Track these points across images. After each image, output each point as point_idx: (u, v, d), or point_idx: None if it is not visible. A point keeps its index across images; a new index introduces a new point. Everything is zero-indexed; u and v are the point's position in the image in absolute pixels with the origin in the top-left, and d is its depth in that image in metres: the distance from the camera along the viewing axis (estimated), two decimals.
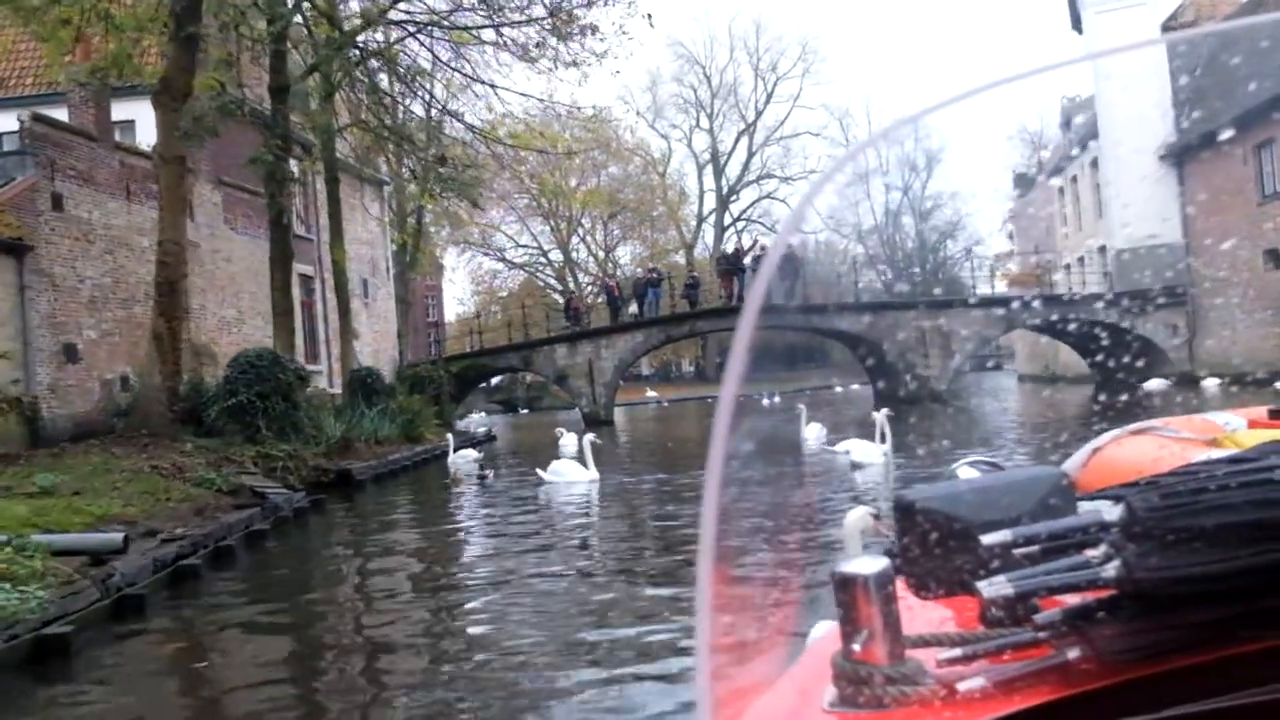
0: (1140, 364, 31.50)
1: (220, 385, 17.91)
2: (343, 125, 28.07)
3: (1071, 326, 34.39)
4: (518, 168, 27.47)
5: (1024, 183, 55.60)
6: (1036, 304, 33.04)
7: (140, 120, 29.26)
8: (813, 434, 20.09)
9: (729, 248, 42.53)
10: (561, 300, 63.99)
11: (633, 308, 38.78)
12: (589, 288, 63.38)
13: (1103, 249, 38.26)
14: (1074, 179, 42.96)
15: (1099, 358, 33.63)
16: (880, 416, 15.93)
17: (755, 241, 41.00)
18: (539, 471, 16.33)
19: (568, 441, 24.46)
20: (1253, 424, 2.80)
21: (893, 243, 79.13)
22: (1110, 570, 0.97)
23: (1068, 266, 42.49)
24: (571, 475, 16.02)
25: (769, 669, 1.26)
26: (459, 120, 25.88)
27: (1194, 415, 3.02)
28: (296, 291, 33.34)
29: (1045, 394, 38.36)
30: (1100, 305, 31.96)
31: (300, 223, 34.46)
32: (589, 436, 16.49)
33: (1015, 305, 32.52)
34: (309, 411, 19.60)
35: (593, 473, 15.96)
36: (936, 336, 34.77)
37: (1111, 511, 1.05)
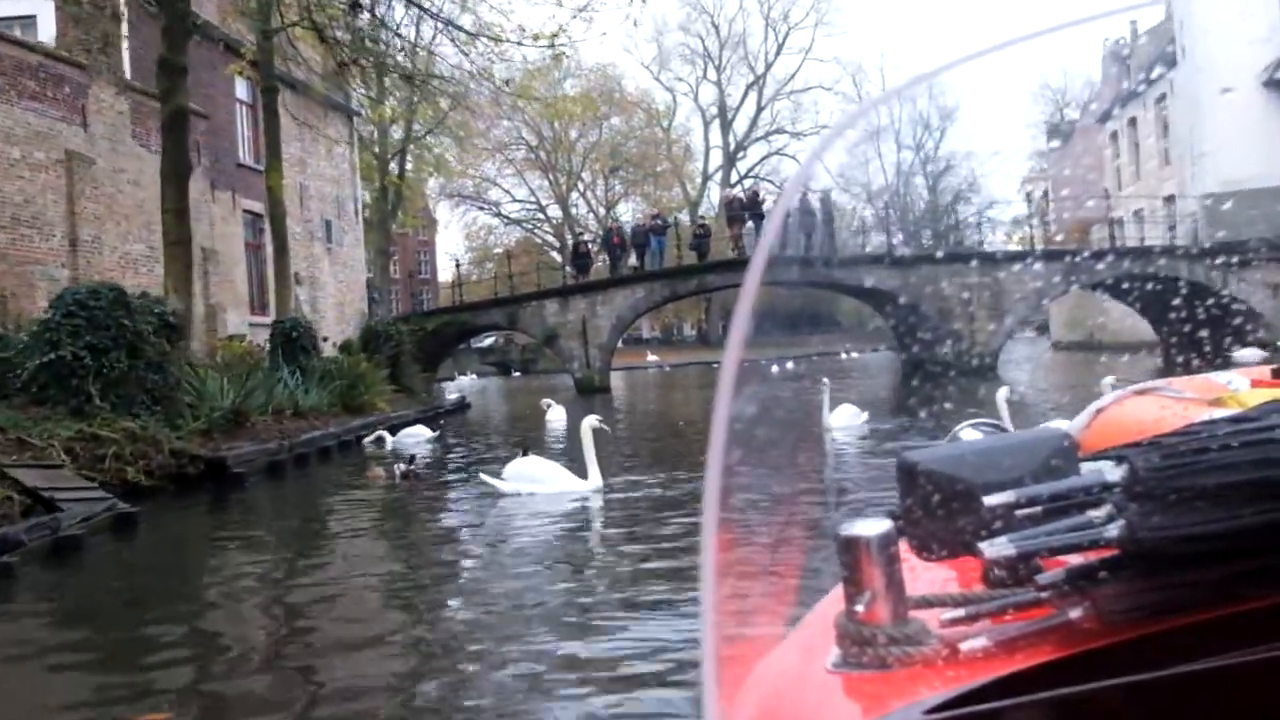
0: (1229, 330, 25.46)
1: (38, 333, 11.97)
2: (288, 24, 21.92)
3: (1135, 284, 28.29)
4: (499, 81, 21.31)
5: (1059, 134, 49.26)
6: (1107, 258, 26.92)
7: (43, 16, 23.53)
8: (842, 419, 13.91)
9: (741, 194, 36.21)
10: (559, 257, 58.45)
11: (633, 259, 32.64)
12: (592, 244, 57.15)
13: (1170, 199, 32.11)
14: (1132, 122, 36.55)
15: (1173, 322, 27.61)
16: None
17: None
18: (485, 479, 10.11)
19: (556, 415, 18.64)
20: (1255, 383, 2.52)
21: (904, 203, 72.99)
22: (1113, 530, 0.95)
23: (1120, 221, 36.20)
24: (552, 482, 9.81)
25: (774, 631, 1.19)
26: (425, 10, 19.76)
27: (1196, 375, 2.74)
28: (241, 230, 27.60)
29: (1097, 364, 32.27)
30: (1184, 260, 25.90)
31: (249, 152, 28.74)
32: (591, 420, 10.13)
33: (1081, 259, 26.43)
34: (185, 373, 13.69)
35: (593, 479, 9.77)
36: (985, 295, 28.77)
37: (1114, 471, 1.03)
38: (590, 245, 33.21)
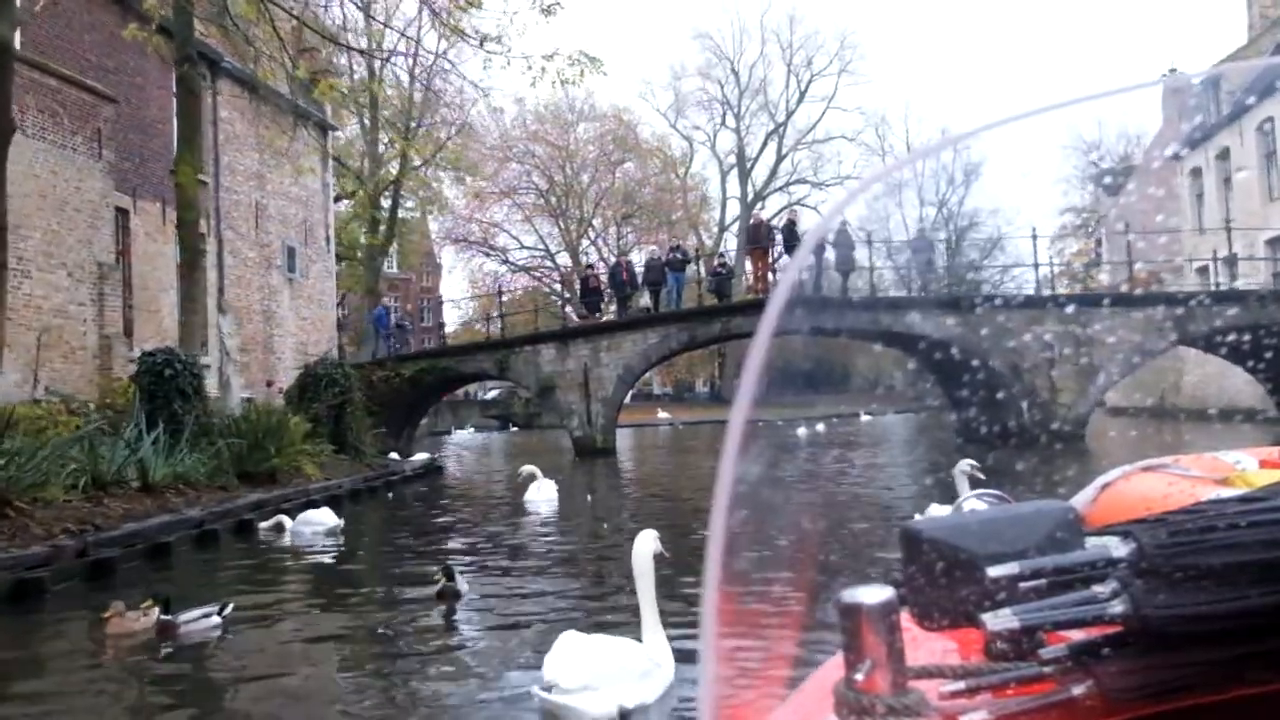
0: None
1: None
2: None
3: (1262, 337, 22.43)
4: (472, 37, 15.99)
5: (1115, 176, 43.84)
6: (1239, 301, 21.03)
7: None
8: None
9: (779, 221, 30.61)
10: (560, 302, 53.08)
11: (645, 299, 26.94)
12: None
13: (1276, 240, 26.43)
14: (1220, 156, 30.88)
15: None
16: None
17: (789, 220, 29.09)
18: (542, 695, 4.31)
19: (540, 494, 12.92)
20: (1264, 463, 2.40)
21: (927, 260, 67.38)
22: (1117, 606, 0.91)
23: (1203, 270, 30.36)
24: (641, 681, 4.38)
25: (773, 696, 1.13)
26: None
27: (1204, 453, 2.64)
28: (173, 249, 21.94)
29: (1211, 432, 26.19)
30: None
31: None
32: (651, 543, 4.99)
33: (1206, 303, 20.63)
34: None
35: (655, 649, 4.62)
36: (1071, 347, 22.96)
37: (1120, 547, 0.99)
38: (602, 281, 27.47)
